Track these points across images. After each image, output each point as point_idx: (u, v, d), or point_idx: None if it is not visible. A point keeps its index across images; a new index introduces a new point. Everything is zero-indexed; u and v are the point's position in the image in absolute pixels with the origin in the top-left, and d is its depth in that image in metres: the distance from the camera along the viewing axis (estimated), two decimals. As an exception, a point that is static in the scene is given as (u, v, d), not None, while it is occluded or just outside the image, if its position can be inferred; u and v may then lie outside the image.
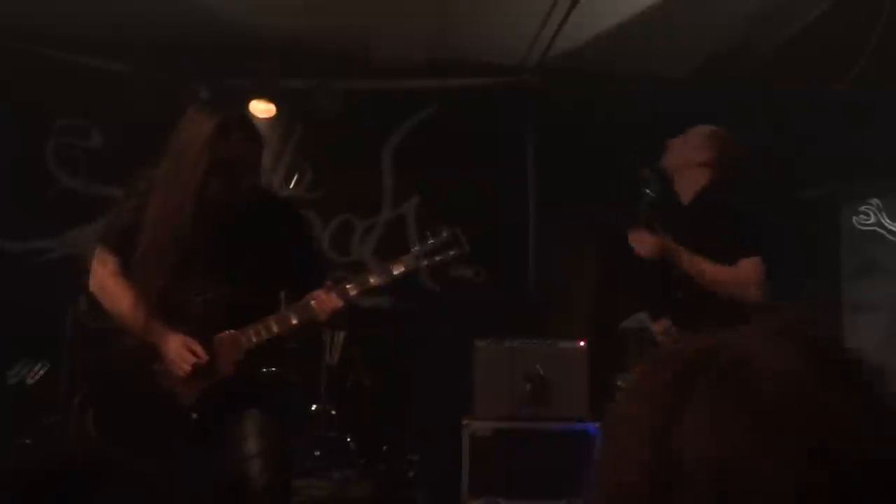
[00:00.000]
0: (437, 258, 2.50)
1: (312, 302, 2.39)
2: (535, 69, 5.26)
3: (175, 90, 4.95)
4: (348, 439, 4.55)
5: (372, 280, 2.45)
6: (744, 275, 2.86)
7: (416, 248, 2.51)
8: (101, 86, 5.07)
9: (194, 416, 2.39)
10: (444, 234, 2.51)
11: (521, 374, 4.10)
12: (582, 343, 4.23)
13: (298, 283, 2.49)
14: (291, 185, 5.15)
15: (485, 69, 5.34)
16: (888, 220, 4.45)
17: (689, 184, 3.06)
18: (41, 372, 4.66)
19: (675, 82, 5.16)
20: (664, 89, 5.08)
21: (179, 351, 2.36)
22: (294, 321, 2.40)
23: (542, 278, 5.36)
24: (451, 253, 2.50)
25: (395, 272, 2.47)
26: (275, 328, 2.40)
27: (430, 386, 4.69)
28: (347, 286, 2.42)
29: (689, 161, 3.07)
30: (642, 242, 2.88)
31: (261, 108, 5.03)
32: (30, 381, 4.64)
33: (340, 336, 4.71)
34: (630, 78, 5.16)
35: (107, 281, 2.51)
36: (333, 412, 4.67)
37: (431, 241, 2.51)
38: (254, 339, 2.40)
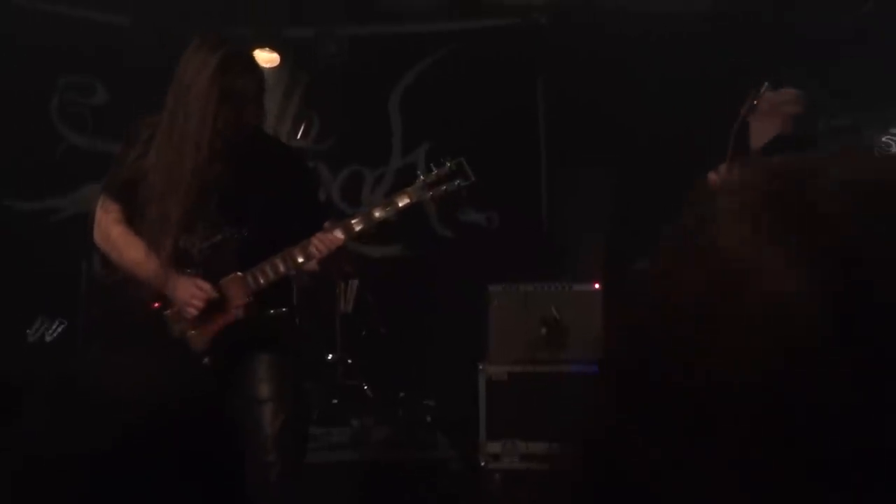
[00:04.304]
0: (443, 188, 2.44)
1: (314, 241, 2.35)
2: (545, 8, 5.12)
3: (177, 42, 4.86)
4: (365, 387, 4.57)
5: (377, 213, 2.40)
6: None
7: (421, 178, 2.46)
8: (103, 41, 4.99)
9: (206, 360, 2.37)
10: (448, 164, 2.46)
11: (537, 318, 4.07)
12: (597, 285, 4.18)
13: (303, 230, 2.43)
14: (299, 136, 5.08)
15: (494, 10, 5.20)
16: (911, 151, 4.34)
17: (765, 130, 3.07)
18: (59, 329, 4.70)
19: (689, 19, 5.00)
20: (677, 26, 4.94)
21: (189, 290, 2.34)
22: (300, 259, 2.36)
23: (555, 221, 5.29)
24: (458, 182, 2.45)
25: (401, 204, 2.42)
26: (281, 268, 2.36)
27: (446, 332, 4.68)
28: (352, 221, 2.38)
29: (775, 108, 3.05)
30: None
31: (264, 58, 4.94)
32: (48, 338, 4.68)
33: (354, 285, 4.69)
34: (643, 16, 5.01)
35: (112, 230, 2.46)
36: (350, 360, 4.68)
37: (435, 171, 2.45)
38: (261, 281, 2.36)
